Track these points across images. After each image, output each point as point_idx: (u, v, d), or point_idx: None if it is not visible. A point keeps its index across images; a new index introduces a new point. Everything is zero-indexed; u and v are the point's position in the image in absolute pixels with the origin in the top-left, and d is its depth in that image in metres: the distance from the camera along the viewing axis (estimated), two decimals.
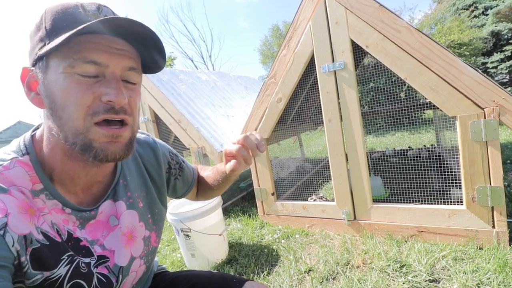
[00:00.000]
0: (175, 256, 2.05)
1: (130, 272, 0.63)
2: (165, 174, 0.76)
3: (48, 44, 0.44)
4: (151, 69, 0.57)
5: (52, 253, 0.49)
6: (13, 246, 0.43)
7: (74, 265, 0.51)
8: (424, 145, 3.85)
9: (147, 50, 0.51)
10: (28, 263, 0.45)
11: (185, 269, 1.06)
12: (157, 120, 3.11)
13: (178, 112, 2.62)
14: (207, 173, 0.89)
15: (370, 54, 1.75)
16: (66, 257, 0.51)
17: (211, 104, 3.23)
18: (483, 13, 11.69)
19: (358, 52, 1.80)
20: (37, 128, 0.55)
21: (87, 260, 0.55)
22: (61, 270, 0.49)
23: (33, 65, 0.48)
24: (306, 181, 2.98)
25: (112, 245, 0.59)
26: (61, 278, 0.49)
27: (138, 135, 0.73)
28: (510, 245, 1.50)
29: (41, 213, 0.49)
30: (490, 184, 1.47)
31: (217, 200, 1.86)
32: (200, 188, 0.92)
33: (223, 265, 1.82)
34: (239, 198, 3.11)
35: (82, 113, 0.45)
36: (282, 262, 1.74)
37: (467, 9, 11.79)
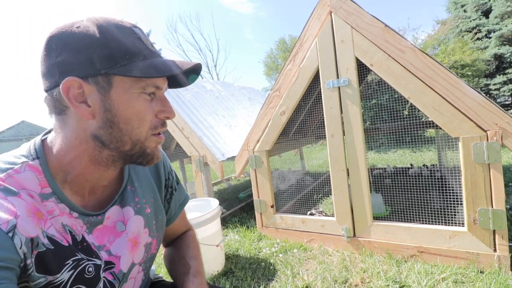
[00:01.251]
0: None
1: (129, 279, 0.63)
2: (164, 184, 0.76)
3: (121, 67, 0.48)
4: (175, 85, 0.64)
5: (56, 258, 0.49)
6: (20, 248, 0.44)
7: (78, 270, 0.52)
8: (424, 164, 3.84)
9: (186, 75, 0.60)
10: (33, 265, 0.46)
11: None
12: None
13: (181, 119, 2.64)
14: (190, 252, 0.79)
15: (374, 72, 1.78)
16: (71, 262, 0.51)
17: (215, 114, 3.26)
18: (486, 36, 11.89)
19: (362, 70, 1.83)
20: (48, 132, 0.57)
21: (98, 262, 0.56)
22: (64, 275, 0.50)
23: (85, 78, 0.48)
24: (306, 194, 2.96)
25: (118, 251, 0.60)
26: (63, 283, 0.50)
27: None
28: (511, 269, 1.47)
29: (51, 216, 0.50)
30: (492, 206, 1.46)
31: (216, 210, 1.85)
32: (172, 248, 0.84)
33: (219, 277, 1.79)
34: (238, 209, 3.09)
35: (146, 126, 0.54)
36: (279, 277, 1.71)
37: (470, 32, 12.00)
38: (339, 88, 1.83)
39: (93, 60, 0.47)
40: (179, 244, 0.83)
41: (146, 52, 0.52)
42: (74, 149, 0.52)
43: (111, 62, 0.47)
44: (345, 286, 1.55)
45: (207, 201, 2.06)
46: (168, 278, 0.88)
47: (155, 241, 0.70)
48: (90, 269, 0.54)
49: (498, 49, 10.86)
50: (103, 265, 0.56)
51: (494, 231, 1.48)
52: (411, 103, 1.65)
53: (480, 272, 1.51)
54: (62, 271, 0.50)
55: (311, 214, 2.29)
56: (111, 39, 0.48)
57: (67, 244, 0.51)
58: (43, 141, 0.55)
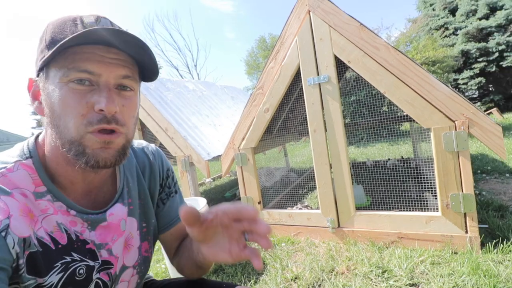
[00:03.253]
0: (159, 267, 2.00)
1: (120, 282, 0.62)
2: (159, 184, 0.74)
3: (46, 54, 0.47)
4: (149, 78, 0.58)
5: (44, 260, 0.48)
6: (13, 248, 0.43)
7: (68, 272, 0.51)
8: (402, 156, 4.04)
9: (141, 58, 0.53)
10: (24, 266, 0.46)
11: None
12: (143, 128, 3.07)
13: (165, 120, 2.61)
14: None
15: (352, 69, 1.86)
16: (60, 265, 0.50)
17: (198, 113, 3.25)
18: (453, 33, 12.60)
19: (341, 67, 1.90)
20: (41, 132, 0.56)
21: (91, 263, 0.55)
22: (53, 278, 0.49)
23: (37, 76, 0.50)
24: (291, 190, 3.03)
25: (118, 251, 0.59)
26: (53, 286, 0.49)
27: (140, 144, 0.74)
28: (481, 249, 1.60)
29: (45, 215, 0.50)
30: (462, 191, 1.58)
31: (204, 209, 1.86)
32: (179, 254, 0.73)
33: (209, 275, 1.80)
34: None
35: (77, 122, 0.46)
36: (268, 271, 1.76)
37: (438, 29, 12.67)
38: (319, 84, 1.90)
39: (37, 57, 0.50)
40: (184, 242, 0.74)
41: (72, 34, 0.46)
42: (50, 148, 0.52)
43: (41, 54, 0.49)
44: (332, 275, 1.62)
45: (194, 200, 2.07)
46: (158, 278, 0.88)
47: (146, 243, 0.68)
48: (81, 271, 0.53)
49: (465, 45, 11.56)
50: (97, 266, 0.55)
51: (465, 214, 1.60)
52: (389, 100, 1.74)
53: (454, 253, 1.63)
54: (50, 273, 0.49)
55: (300, 209, 2.36)
56: (46, 33, 0.49)
57: (57, 246, 0.51)
58: (36, 141, 0.55)
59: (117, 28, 0.46)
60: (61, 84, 0.46)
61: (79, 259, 0.53)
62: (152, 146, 0.76)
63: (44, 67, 0.48)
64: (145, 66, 0.55)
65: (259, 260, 0.42)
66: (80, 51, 0.46)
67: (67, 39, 0.43)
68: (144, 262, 0.68)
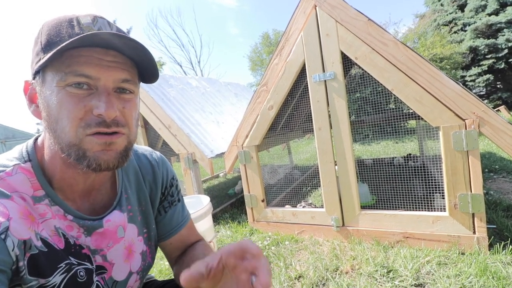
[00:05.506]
0: (163, 265, 2.00)
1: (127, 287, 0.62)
2: (159, 196, 0.72)
3: (42, 58, 0.45)
4: (149, 79, 0.57)
5: (49, 261, 0.48)
6: (13, 250, 0.43)
7: (71, 274, 0.51)
8: (410, 153, 3.98)
9: (140, 60, 0.52)
10: (25, 268, 0.45)
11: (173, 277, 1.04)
12: (146, 125, 3.07)
13: (168, 117, 2.60)
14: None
15: (358, 65, 1.82)
16: (64, 265, 0.50)
17: (202, 110, 3.23)
18: (461, 29, 12.37)
19: (347, 63, 1.87)
20: (40, 135, 0.56)
21: (90, 266, 0.55)
22: (56, 278, 0.49)
23: (33, 79, 0.49)
24: (295, 188, 3.01)
25: (114, 257, 0.59)
26: (55, 287, 0.49)
27: (145, 151, 0.73)
28: (490, 250, 1.57)
29: (43, 219, 0.50)
30: (471, 191, 1.54)
31: (207, 207, 1.85)
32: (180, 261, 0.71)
33: None
34: (228, 205, 3.10)
35: (75, 125, 0.45)
36: (272, 269, 1.74)
37: (447, 25, 12.44)
38: (325, 81, 1.86)
39: (32, 60, 0.48)
40: (187, 251, 0.73)
41: (77, 33, 0.45)
42: (48, 151, 0.52)
43: (37, 57, 0.47)
44: (336, 274, 1.60)
45: (197, 198, 2.06)
46: (160, 278, 0.87)
47: (148, 249, 0.68)
48: (82, 273, 0.53)
49: (473, 41, 11.35)
50: (94, 269, 0.56)
51: (473, 214, 1.57)
52: (394, 96, 1.70)
53: (461, 254, 1.60)
54: (55, 274, 0.49)
55: (304, 207, 2.34)
56: (41, 35, 0.47)
57: (59, 248, 0.51)
58: (35, 144, 0.54)
59: (114, 32, 0.45)
60: (58, 88, 0.45)
61: (76, 263, 0.53)
62: (157, 153, 0.76)
63: (40, 71, 0.47)
64: (144, 68, 0.53)
65: None
66: (77, 54, 0.45)
67: (64, 44, 0.42)
68: (147, 268, 0.69)
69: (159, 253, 2.21)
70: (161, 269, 1.94)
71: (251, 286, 0.41)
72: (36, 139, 0.56)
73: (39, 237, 0.48)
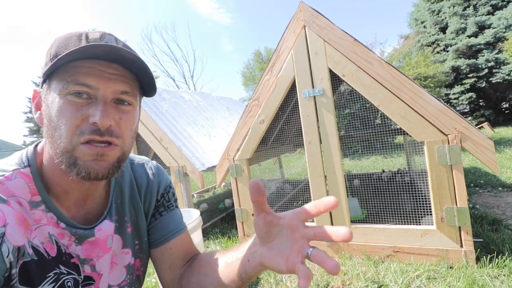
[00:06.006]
0: (149, 281, 1.94)
1: None
2: (154, 203, 0.71)
3: (48, 67, 0.48)
4: (148, 93, 0.59)
5: (38, 270, 0.48)
6: (7, 257, 0.43)
7: (59, 284, 0.51)
8: (399, 169, 4.06)
9: (140, 74, 0.53)
10: (16, 276, 0.45)
11: None
12: (137, 138, 3.05)
13: (160, 130, 2.60)
14: (222, 258, 0.58)
15: (346, 82, 1.89)
16: (53, 275, 0.50)
17: (194, 124, 3.25)
18: (444, 50, 13.01)
19: (336, 80, 1.93)
20: (41, 141, 0.57)
21: (77, 277, 0.54)
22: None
23: (41, 87, 0.52)
24: (286, 202, 3.00)
25: (103, 268, 0.58)
26: None
27: (141, 160, 0.73)
28: (477, 263, 1.59)
29: (38, 225, 0.50)
30: (457, 205, 1.58)
31: (197, 221, 1.82)
32: (193, 272, 0.63)
33: None
34: (219, 220, 3.06)
35: (71, 133, 0.46)
36: (262, 285, 1.71)
37: (430, 46, 13.07)
38: (314, 97, 1.92)
39: (42, 70, 0.50)
40: (199, 259, 0.67)
41: (73, 47, 0.47)
42: (48, 157, 0.52)
43: (45, 67, 0.49)
44: None
45: (187, 212, 2.03)
46: None
47: (138, 261, 0.66)
48: (70, 283, 0.52)
49: (455, 61, 11.91)
50: (80, 281, 0.55)
51: (459, 228, 1.60)
52: (382, 113, 1.76)
53: (450, 268, 1.61)
54: (43, 283, 0.48)
55: None
56: (52, 47, 0.50)
57: (51, 256, 0.50)
58: (35, 149, 0.55)
59: (114, 44, 0.47)
60: (60, 96, 0.47)
61: (66, 272, 0.52)
62: (153, 162, 0.75)
63: (47, 79, 0.49)
64: (145, 83, 0.56)
65: (307, 283, 0.38)
66: (80, 65, 0.47)
67: (64, 53, 0.44)
68: (137, 281, 0.66)
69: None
70: (147, 286, 1.87)
71: (305, 255, 0.41)
72: (37, 145, 0.56)
73: (31, 245, 0.48)
